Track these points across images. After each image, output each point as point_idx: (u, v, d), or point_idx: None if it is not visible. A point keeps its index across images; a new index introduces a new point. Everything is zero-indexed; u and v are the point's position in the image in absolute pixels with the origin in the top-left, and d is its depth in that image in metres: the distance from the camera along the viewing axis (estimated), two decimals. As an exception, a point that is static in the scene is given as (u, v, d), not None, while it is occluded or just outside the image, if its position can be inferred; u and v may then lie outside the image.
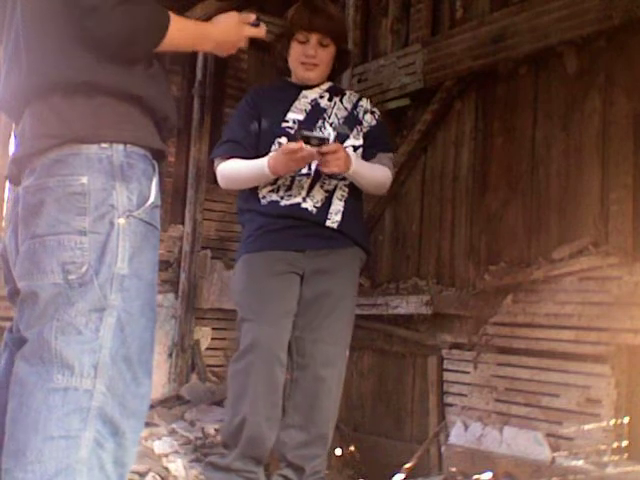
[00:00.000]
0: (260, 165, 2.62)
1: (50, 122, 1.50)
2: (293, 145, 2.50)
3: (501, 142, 3.27)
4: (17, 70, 1.55)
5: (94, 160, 1.48)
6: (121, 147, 1.50)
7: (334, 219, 2.71)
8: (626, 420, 2.60)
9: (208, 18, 3.97)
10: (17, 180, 1.59)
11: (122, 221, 1.47)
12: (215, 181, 4.11)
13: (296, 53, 2.78)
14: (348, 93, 2.92)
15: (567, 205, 2.96)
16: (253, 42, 4.41)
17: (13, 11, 1.59)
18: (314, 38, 2.75)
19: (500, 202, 3.22)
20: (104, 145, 1.49)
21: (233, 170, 2.72)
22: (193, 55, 4.15)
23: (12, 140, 3.75)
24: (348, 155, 2.59)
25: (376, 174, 2.76)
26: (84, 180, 1.46)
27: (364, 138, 2.81)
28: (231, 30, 1.75)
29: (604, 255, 2.76)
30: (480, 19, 3.32)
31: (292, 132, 2.71)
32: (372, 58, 3.88)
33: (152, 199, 1.54)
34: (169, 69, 3.78)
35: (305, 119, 2.75)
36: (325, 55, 2.78)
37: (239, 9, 3.97)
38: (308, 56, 2.75)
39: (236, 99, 4.21)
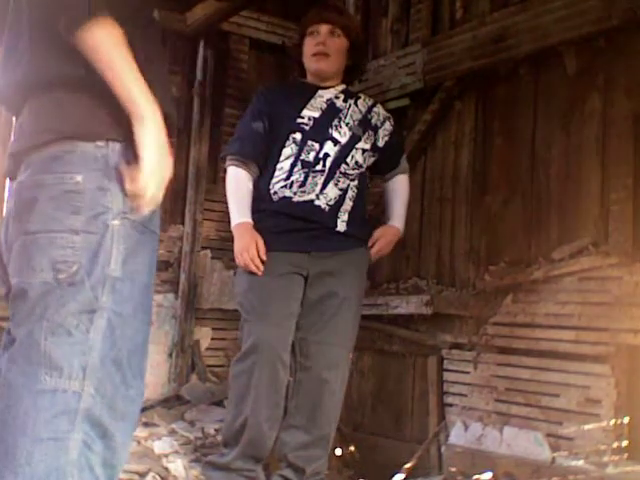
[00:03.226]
0: (237, 215, 2.68)
1: (48, 117, 1.49)
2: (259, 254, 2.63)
3: (501, 142, 3.27)
4: (20, 63, 1.54)
5: (89, 159, 1.46)
6: (117, 146, 1.48)
7: (343, 218, 2.72)
8: (626, 420, 2.60)
9: (208, 18, 4.00)
10: (14, 174, 1.58)
11: (116, 223, 1.45)
12: (215, 181, 4.15)
13: (308, 46, 2.80)
14: (362, 97, 2.94)
15: (567, 205, 2.96)
16: (253, 42, 4.44)
17: (15, 2, 1.58)
18: (324, 28, 2.78)
19: (500, 202, 3.22)
20: (100, 143, 1.47)
21: (230, 189, 2.75)
22: (193, 55, 4.15)
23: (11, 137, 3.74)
24: (389, 245, 2.85)
25: (407, 198, 2.97)
26: (79, 178, 1.44)
27: (387, 145, 2.88)
28: (159, 157, 1.50)
29: (604, 255, 2.76)
30: (480, 19, 3.32)
31: (307, 128, 2.73)
32: (372, 58, 3.88)
33: None
34: (169, 69, 3.78)
35: (320, 117, 2.77)
36: (336, 45, 2.79)
37: (238, 9, 3.99)
38: (318, 44, 2.76)
39: (236, 99, 4.21)
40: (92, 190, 1.45)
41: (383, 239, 2.82)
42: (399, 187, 2.95)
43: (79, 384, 1.40)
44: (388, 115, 2.95)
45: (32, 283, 1.43)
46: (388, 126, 2.91)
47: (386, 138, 2.89)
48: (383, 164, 2.92)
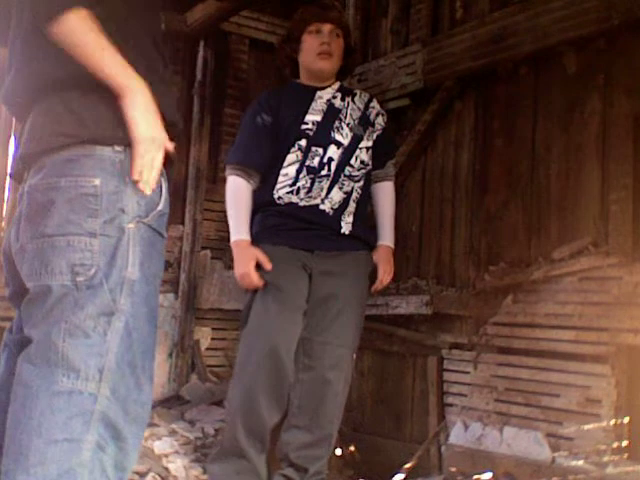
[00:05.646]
0: (235, 231, 2.69)
1: (65, 121, 1.49)
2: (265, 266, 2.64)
3: (501, 142, 3.27)
4: (31, 65, 1.53)
5: (106, 162, 1.47)
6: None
7: (347, 220, 2.73)
8: (626, 420, 2.60)
9: (208, 18, 4.00)
10: (20, 177, 1.58)
11: (132, 226, 1.46)
12: (215, 181, 4.15)
13: (310, 45, 2.80)
14: (358, 92, 2.94)
15: (567, 205, 2.96)
16: (253, 42, 4.44)
17: (18, 2, 1.58)
18: (327, 27, 2.80)
19: (500, 202, 3.22)
20: (118, 148, 1.48)
21: (229, 201, 2.75)
22: (193, 55, 4.15)
23: (12, 140, 3.74)
24: (391, 263, 2.86)
25: (393, 209, 2.94)
26: (97, 182, 1.45)
27: (375, 142, 2.87)
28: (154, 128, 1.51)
29: (604, 255, 2.76)
30: (480, 19, 3.32)
31: (311, 134, 2.73)
32: (372, 58, 3.88)
33: (160, 206, 1.53)
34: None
35: (322, 119, 2.77)
36: (338, 46, 2.81)
37: (238, 9, 3.99)
38: (323, 44, 2.77)
39: (236, 99, 4.21)
40: (109, 194, 1.45)
41: (383, 264, 2.83)
42: (387, 198, 2.93)
43: (95, 386, 1.41)
44: (383, 112, 2.95)
45: (50, 286, 1.43)
46: (381, 121, 2.91)
47: (378, 132, 2.89)
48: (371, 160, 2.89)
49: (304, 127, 2.74)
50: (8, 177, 3.51)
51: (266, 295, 2.64)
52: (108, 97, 1.48)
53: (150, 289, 1.49)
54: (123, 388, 1.43)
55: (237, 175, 2.73)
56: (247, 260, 2.64)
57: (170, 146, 1.55)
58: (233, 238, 2.71)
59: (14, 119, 1.65)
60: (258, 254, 2.64)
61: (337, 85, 2.88)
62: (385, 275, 2.83)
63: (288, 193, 2.70)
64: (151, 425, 3.35)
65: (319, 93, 2.82)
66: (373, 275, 2.86)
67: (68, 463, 1.37)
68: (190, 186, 4.09)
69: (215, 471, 2.69)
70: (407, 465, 3.07)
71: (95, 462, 1.39)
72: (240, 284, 2.72)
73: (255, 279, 2.63)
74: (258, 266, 2.65)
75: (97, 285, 1.43)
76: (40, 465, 1.36)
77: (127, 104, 1.47)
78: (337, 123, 2.78)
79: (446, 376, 3.22)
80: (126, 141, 1.48)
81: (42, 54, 1.51)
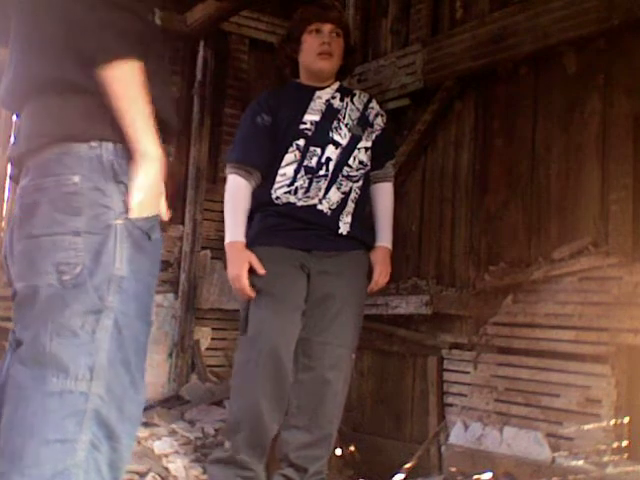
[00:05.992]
0: (230, 232, 2.68)
1: (42, 121, 1.49)
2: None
3: (501, 142, 3.27)
4: (23, 67, 1.55)
5: (84, 159, 1.46)
6: (110, 145, 1.47)
7: (345, 220, 2.72)
8: (626, 420, 2.60)
9: (208, 18, 4.00)
10: (17, 179, 1.59)
11: (119, 222, 1.45)
12: (215, 181, 4.15)
13: (310, 45, 2.80)
14: (357, 93, 2.94)
15: (567, 205, 2.96)
16: (253, 42, 4.44)
17: (18, 5, 1.59)
18: (328, 27, 2.80)
19: (500, 202, 3.22)
20: (93, 144, 1.47)
21: (227, 200, 2.74)
22: (193, 55, 4.15)
23: (12, 140, 3.75)
24: (387, 264, 2.83)
25: (391, 210, 2.93)
26: (76, 179, 1.44)
27: (374, 142, 2.86)
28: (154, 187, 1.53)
29: (604, 255, 2.76)
30: (480, 19, 3.32)
31: (310, 134, 2.73)
32: (372, 58, 3.88)
33: None
34: (169, 69, 3.78)
35: (321, 119, 2.77)
36: (338, 46, 2.81)
37: (238, 9, 3.99)
38: (324, 44, 2.77)
39: (236, 99, 4.21)
40: (90, 190, 1.45)
41: (379, 265, 2.81)
42: (385, 199, 2.92)
43: (86, 385, 1.40)
44: (382, 112, 2.95)
45: (37, 286, 1.43)
46: (380, 121, 2.90)
47: (377, 133, 2.88)
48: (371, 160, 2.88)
49: (302, 127, 2.74)
50: (8, 178, 3.51)
51: (261, 300, 2.63)
52: (86, 97, 1.47)
53: (140, 286, 1.48)
54: (119, 387, 1.43)
55: (237, 174, 2.73)
56: (241, 263, 2.63)
57: (165, 216, 1.59)
58: (228, 239, 2.70)
59: (14, 117, 1.67)
60: (252, 258, 2.64)
61: (336, 85, 2.87)
62: (380, 276, 2.82)
63: (286, 193, 2.70)
64: (151, 425, 3.35)
65: (318, 93, 2.82)
66: (371, 276, 2.85)
67: (63, 463, 1.37)
68: (190, 186, 4.09)
69: (215, 472, 2.69)
70: (407, 465, 3.07)
71: (90, 462, 1.39)
72: (231, 286, 2.71)
73: (246, 284, 2.61)
74: (252, 270, 2.65)
75: (83, 283, 1.42)
76: (35, 466, 1.35)
77: (136, 169, 1.48)
78: (336, 123, 2.78)
79: (446, 376, 3.22)
80: (101, 136, 1.47)
81: (30, 57, 1.52)
